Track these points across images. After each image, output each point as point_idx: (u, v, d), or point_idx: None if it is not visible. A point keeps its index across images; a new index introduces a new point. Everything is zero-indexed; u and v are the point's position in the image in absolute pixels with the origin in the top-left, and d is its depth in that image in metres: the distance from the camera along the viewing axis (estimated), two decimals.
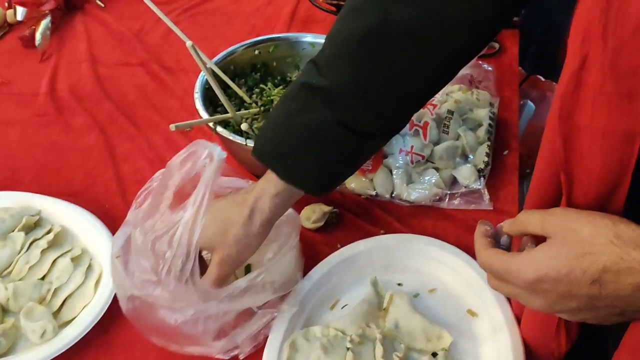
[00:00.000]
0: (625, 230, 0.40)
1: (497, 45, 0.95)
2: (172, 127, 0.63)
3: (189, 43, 0.65)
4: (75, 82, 0.93)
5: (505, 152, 0.78)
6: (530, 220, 0.45)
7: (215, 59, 0.80)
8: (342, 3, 1.05)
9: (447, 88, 0.82)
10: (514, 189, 0.73)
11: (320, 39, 0.83)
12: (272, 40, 0.84)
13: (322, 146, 0.55)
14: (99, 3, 1.08)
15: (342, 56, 0.54)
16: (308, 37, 0.84)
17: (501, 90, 0.86)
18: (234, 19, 1.07)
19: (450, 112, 0.76)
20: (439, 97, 0.78)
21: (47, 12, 1.02)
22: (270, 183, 0.56)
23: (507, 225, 0.48)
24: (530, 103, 1.20)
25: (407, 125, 0.74)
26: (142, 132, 0.84)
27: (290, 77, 0.85)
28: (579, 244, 0.40)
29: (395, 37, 0.52)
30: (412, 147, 0.73)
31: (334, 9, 1.06)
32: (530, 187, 0.52)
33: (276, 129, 0.56)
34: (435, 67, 0.54)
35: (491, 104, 0.80)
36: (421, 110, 0.76)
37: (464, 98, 0.79)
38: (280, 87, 0.82)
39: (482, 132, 0.76)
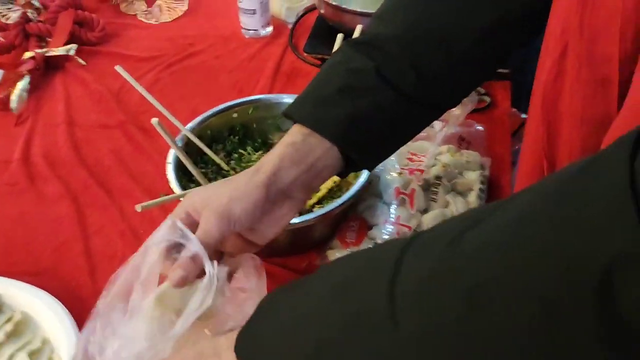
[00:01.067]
0: None
1: (488, 100, 0.92)
2: (138, 208, 0.59)
3: (154, 120, 0.61)
4: (50, 147, 0.89)
5: None
6: None
7: (190, 125, 0.76)
8: (327, 57, 1.01)
9: (438, 148, 0.77)
10: None
11: None
12: (251, 102, 0.81)
13: (357, 93, 0.51)
14: (80, 61, 1.06)
15: (389, 11, 0.55)
16: (288, 98, 0.81)
17: (492, 148, 0.82)
18: (216, 74, 1.04)
19: (439, 177, 0.72)
20: (426, 161, 0.74)
21: (25, 72, 0.99)
22: (288, 136, 0.52)
23: None
24: None
25: (393, 193, 0.70)
26: (115, 201, 0.80)
27: (272, 140, 0.82)
28: None
29: None
30: (398, 217, 0.68)
31: (319, 62, 1.03)
32: (516, 179, 0.53)
33: (312, 82, 0.54)
34: (486, 20, 0.52)
35: (482, 166, 0.76)
36: (407, 176, 0.72)
37: (453, 161, 0.74)
38: (261, 151, 0.78)
39: (472, 197, 0.72)
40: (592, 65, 0.41)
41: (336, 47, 0.77)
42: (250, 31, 1.12)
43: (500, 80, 0.95)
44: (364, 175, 0.68)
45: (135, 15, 1.21)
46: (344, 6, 0.99)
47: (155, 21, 1.19)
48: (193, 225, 0.49)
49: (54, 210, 0.79)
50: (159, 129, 0.62)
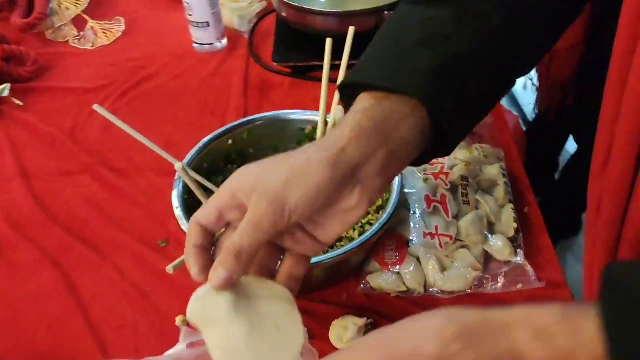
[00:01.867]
0: (468, 324, 0.32)
1: None
2: (170, 269, 0.50)
3: (178, 165, 0.52)
4: (9, 206, 0.76)
5: (526, 209, 0.71)
6: None
7: (186, 160, 0.68)
8: (300, 64, 0.95)
9: None
10: (551, 252, 0.66)
11: (297, 115, 0.74)
12: (244, 124, 0.73)
13: (438, 42, 0.42)
14: (17, 102, 0.92)
15: None
16: (284, 114, 0.74)
17: (498, 138, 0.80)
18: (179, 97, 0.94)
19: (465, 177, 0.69)
20: (448, 161, 0.70)
21: None
22: (356, 104, 0.42)
23: None
24: None
25: (423, 202, 0.66)
26: (107, 257, 0.69)
27: None
28: None
29: None
30: (436, 227, 0.64)
31: (289, 70, 0.97)
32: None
33: (371, 45, 0.46)
34: None
35: (499, 159, 0.74)
36: (434, 182, 0.68)
37: (472, 158, 0.72)
38: None
39: (500, 193, 0.69)
40: None
41: (327, 51, 0.71)
42: (205, 45, 1.03)
43: None
44: (395, 191, 0.62)
45: (66, 42, 1.08)
46: (307, 7, 0.93)
47: (92, 46, 1.07)
48: (240, 210, 0.40)
49: (34, 282, 0.67)
50: (185, 178, 0.53)
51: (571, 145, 1.50)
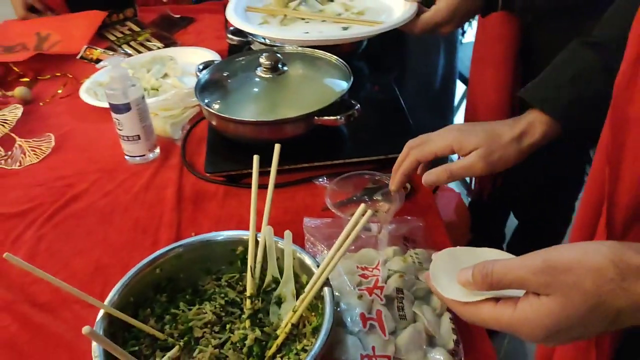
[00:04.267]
0: (628, 264, 0.39)
1: (408, 186, 0.91)
2: None
3: (86, 329, 0.49)
4: None
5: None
6: (510, 279, 0.43)
7: (109, 298, 0.64)
8: (233, 173, 0.95)
9: (385, 254, 0.74)
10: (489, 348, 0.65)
11: (226, 236, 0.72)
12: (173, 250, 0.70)
13: (585, 84, 0.66)
14: None
15: (612, 16, 0.67)
16: (213, 237, 0.72)
17: (432, 238, 0.80)
18: (110, 215, 0.91)
19: (400, 290, 0.67)
20: (381, 274, 0.69)
21: None
22: (540, 115, 0.70)
23: (469, 279, 0.46)
24: None
25: (359, 321, 0.64)
26: None
27: (203, 285, 0.72)
28: (587, 299, 0.40)
29: None
30: (373, 348, 0.62)
31: (223, 178, 0.96)
32: (580, 205, 0.57)
33: (545, 72, 0.72)
34: None
35: None
36: (368, 297, 0.66)
37: (406, 267, 0.71)
38: (196, 306, 0.68)
39: (436, 301, 0.68)
40: None
41: (255, 168, 0.71)
42: (137, 157, 1.01)
43: None
44: (328, 313, 0.60)
45: None
46: (235, 117, 0.93)
47: (19, 165, 1.04)
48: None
49: None
50: (96, 340, 0.50)
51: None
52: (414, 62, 1.59)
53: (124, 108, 0.95)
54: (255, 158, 0.72)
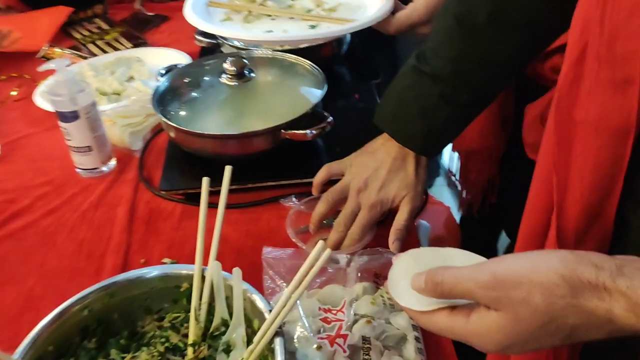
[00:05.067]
0: (580, 280, 0.37)
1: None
2: None
3: None
4: None
5: None
6: (460, 290, 0.42)
7: (21, 349, 0.54)
8: (191, 191, 0.85)
9: (352, 292, 0.64)
10: None
11: (169, 270, 0.62)
12: (105, 288, 0.61)
13: (428, 114, 0.70)
14: None
15: (440, 46, 0.68)
16: (151, 272, 0.62)
17: None
18: (52, 237, 0.82)
19: (366, 339, 0.58)
20: (346, 319, 0.60)
21: None
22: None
23: (421, 285, 0.44)
24: (423, 222, 1.08)
25: None
26: None
27: (143, 326, 0.62)
28: (537, 316, 0.38)
29: (481, 25, 0.64)
30: None
31: (181, 197, 0.86)
32: (524, 213, 0.54)
33: (392, 100, 0.73)
34: (519, 45, 0.65)
35: None
36: (329, 349, 0.57)
37: (375, 310, 0.61)
38: (130, 354, 0.59)
39: (409, 349, 0.59)
40: (611, 64, 0.39)
41: (204, 191, 0.62)
42: (88, 171, 0.92)
43: None
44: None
45: None
46: (195, 130, 0.83)
47: None
48: None
49: None
50: None
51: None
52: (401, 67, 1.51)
53: (72, 116, 0.86)
54: (205, 181, 0.62)
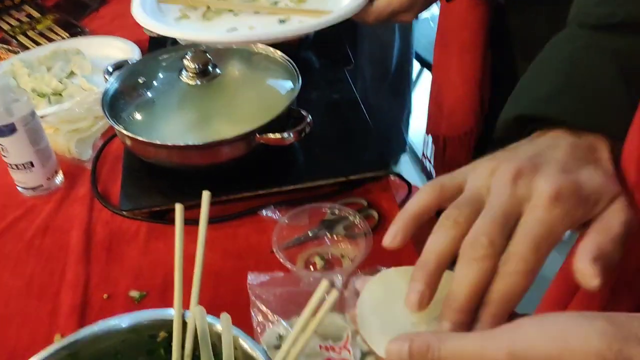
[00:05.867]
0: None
1: (375, 214, 0.74)
2: None
3: None
4: None
5: None
6: None
7: None
8: (157, 209, 0.75)
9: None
10: None
11: (144, 317, 0.53)
12: (67, 347, 0.50)
13: (634, 79, 0.42)
14: None
15: None
16: (123, 323, 0.52)
17: None
18: None
19: None
20: (353, 355, 0.53)
21: None
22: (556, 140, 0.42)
23: (402, 357, 0.33)
24: None
25: None
26: None
27: None
28: None
29: None
30: None
31: (146, 213, 0.76)
32: None
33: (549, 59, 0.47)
34: None
35: None
36: None
37: None
38: None
39: None
40: None
41: (178, 221, 0.52)
42: (31, 190, 0.80)
43: (378, 181, 0.78)
44: None
45: None
46: (155, 140, 0.72)
47: None
48: None
49: None
50: None
51: None
52: (367, 47, 1.43)
53: (7, 130, 0.73)
54: (178, 208, 0.52)
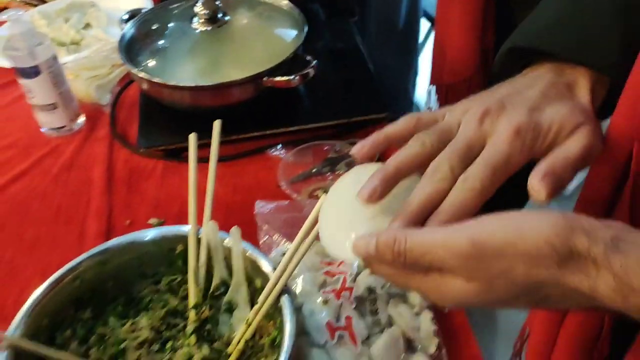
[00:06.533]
0: (571, 251, 0.33)
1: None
2: None
3: None
4: None
5: (446, 309, 0.61)
6: (428, 260, 0.35)
7: (13, 325, 0.51)
8: (172, 147, 0.81)
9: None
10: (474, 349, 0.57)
11: (162, 233, 0.59)
12: (97, 255, 0.57)
13: (632, 15, 0.44)
14: None
15: None
16: (145, 235, 0.59)
17: None
18: (24, 203, 0.77)
19: (372, 289, 0.57)
20: (349, 271, 0.59)
21: None
22: (542, 72, 0.46)
23: (369, 252, 0.37)
24: None
25: (325, 331, 0.54)
26: None
27: (139, 291, 0.60)
28: (512, 288, 0.34)
29: None
30: None
31: (161, 152, 0.82)
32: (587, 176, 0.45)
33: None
34: None
35: None
36: (335, 302, 0.56)
37: None
38: (130, 320, 0.57)
39: (415, 295, 0.59)
40: None
41: (191, 149, 0.58)
42: (56, 130, 0.86)
43: (379, 123, 0.83)
44: (289, 323, 0.50)
45: None
46: (169, 82, 0.78)
47: None
48: None
49: None
50: None
51: None
52: (374, 1, 1.45)
53: (32, 72, 0.79)
54: (192, 138, 0.58)
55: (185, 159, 0.81)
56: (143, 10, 0.91)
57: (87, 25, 1.09)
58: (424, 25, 1.84)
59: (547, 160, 0.40)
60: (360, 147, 0.44)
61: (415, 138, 0.43)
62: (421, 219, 0.40)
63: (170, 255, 0.60)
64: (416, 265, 0.36)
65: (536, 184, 0.39)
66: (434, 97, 1.22)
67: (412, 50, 1.70)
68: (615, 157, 0.43)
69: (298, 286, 0.58)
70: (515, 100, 0.43)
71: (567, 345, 0.50)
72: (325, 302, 0.56)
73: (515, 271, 0.33)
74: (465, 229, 0.35)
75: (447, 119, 0.45)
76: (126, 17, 0.89)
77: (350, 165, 0.77)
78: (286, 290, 0.52)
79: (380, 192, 0.41)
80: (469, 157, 0.41)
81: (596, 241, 0.32)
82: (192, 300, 0.57)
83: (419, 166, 0.42)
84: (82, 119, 0.88)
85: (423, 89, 1.78)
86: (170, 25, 0.86)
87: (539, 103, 0.43)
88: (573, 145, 0.41)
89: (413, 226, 0.39)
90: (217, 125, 0.57)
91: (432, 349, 0.55)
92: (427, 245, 0.35)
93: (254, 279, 0.56)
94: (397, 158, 0.42)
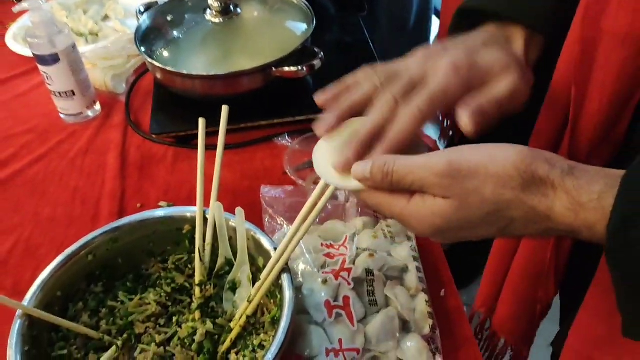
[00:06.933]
0: (533, 175, 0.38)
1: None
2: None
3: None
4: None
5: (442, 293, 0.63)
6: (410, 180, 0.41)
7: (30, 295, 0.54)
8: (183, 133, 0.84)
9: (353, 227, 0.65)
10: (475, 349, 0.58)
11: (170, 212, 0.62)
12: (108, 233, 0.60)
13: None
14: None
15: None
16: (154, 214, 0.62)
17: None
18: (42, 185, 0.80)
19: (370, 271, 0.60)
20: (349, 253, 0.61)
21: None
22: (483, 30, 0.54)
23: (365, 175, 0.43)
24: None
25: (324, 309, 0.57)
26: None
27: (147, 269, 0.63)
28: (483, 205, 0.39)
29: None
30: (340, 341, 0.55)
31: (172, 140, 0.85)
32: (534, 131, 0.51)
33: None
34: None
35: (408, 237, 0.65)
36: (334, 282, 0.59)
37: (376, 244, 0.63)
38: (138, 295, 0.60)
39: (411, 278, 0.61)
40: None
41: (201, 133, 0.61)
42: (73, 116, 0.89)
43: None
44: (288, 300, 0.52)
45: None
46: (182, 70, 0.81)
47: None
48: None
49: None
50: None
51: None
52: None
53: (51, 59, 0.82)
54: (201, 122, 0.61)
55: (195, 146, 0.84)
56: (159, 3, 0.94)
57: (106, 17, 1.13)
58: (436, 23, 1.85)
59: (477, 98, 0.46)
60: (321, 95, 0.53)
61: (369, 82, 0.50)
62: (368, 146, 0.46)
63: (178, 235, 0.62)
64: (400, 184, 0.41)
65: (465, 119, 0.45)
66: None
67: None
68: (558, 99, 0.49)
69: (299, 267, 0.61)
70: (457, 46, 0.50)
71: (517, 276, 0.55)
72: (325, 282, 0.58)
73: (485, 190, 0.39)
74: (444, 153, 0.41)
75: (402, 65, 0.51)
76: (142, 8, 0.92)
77: None
78: (286, 269, 0.54)
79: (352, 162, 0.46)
80: (411, 89, 0.47)
81: (555, 168, 0.38)
82: (197, 277, 0.60)
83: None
84: (98, 107, 0.91)
85: None
86: (184, 17, 0.89)
87: (477, 48, 0.49)
88: (501, 86, 0.47)
89: (363, 155, 0.45)
90: (225, 110, 0.60)
91: (427, 330, 0.57)
92: (411, 166, 0.41)
93: (257, 258, 0.59)
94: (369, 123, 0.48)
